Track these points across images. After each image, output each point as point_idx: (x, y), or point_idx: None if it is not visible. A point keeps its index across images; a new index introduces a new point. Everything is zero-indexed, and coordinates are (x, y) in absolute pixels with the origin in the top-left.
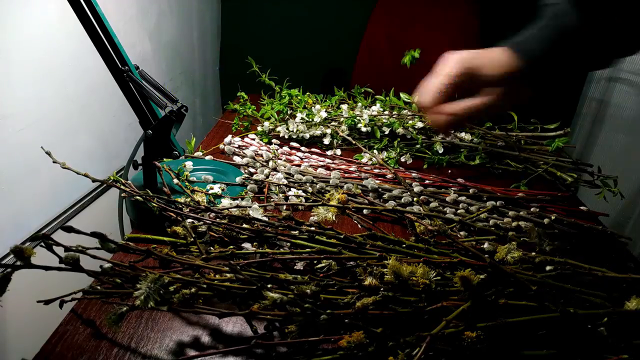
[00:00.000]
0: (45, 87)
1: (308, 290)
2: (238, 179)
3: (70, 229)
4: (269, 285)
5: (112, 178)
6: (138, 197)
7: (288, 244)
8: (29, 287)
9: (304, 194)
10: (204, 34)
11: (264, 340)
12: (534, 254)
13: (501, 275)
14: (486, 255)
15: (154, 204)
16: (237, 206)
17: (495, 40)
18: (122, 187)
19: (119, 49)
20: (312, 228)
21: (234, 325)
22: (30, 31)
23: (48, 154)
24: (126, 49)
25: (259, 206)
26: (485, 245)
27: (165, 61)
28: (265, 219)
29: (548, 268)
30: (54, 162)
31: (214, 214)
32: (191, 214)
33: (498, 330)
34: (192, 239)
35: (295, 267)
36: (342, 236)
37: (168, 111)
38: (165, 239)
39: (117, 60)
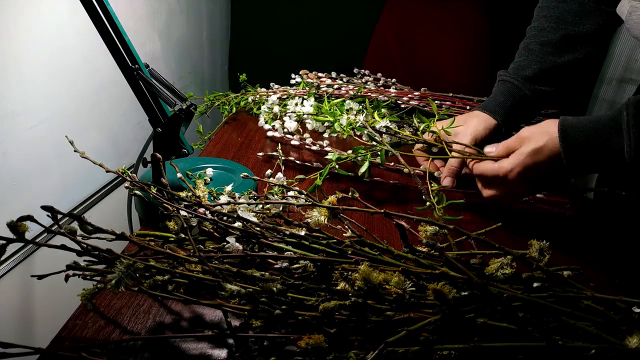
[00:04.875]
0: (56, 85)
1: (274, 288)
2: (241, 175)
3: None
4: (237, 279)
5: (122, 171)
6: (138, 192)
7: (274, 242)
8: (38, 283)
9: (303, 195)
10: (213, 33)
11: (237, 330)
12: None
13: (483, 293)
14: (472, 272)
15: (153, 197)
16: (228, 202)
17: (504, 37)
18: (127, 180)
19: (130, 48)
20: (301, 233)
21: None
22: (41, 30)
23: (71, 143)
24: (136, 47)
25: (249, 205)
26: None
27: (174, 60)
28: (254, 219)
29: (535, 285)
30: (74, 151)
31: (205, 209)
32: (183, 208)
33: (471, 353)
34: (182, 232)
35: (275, 266)
36: (326, 241)
37: (177, 109)
38: (169, 235)
39: (127, 59)
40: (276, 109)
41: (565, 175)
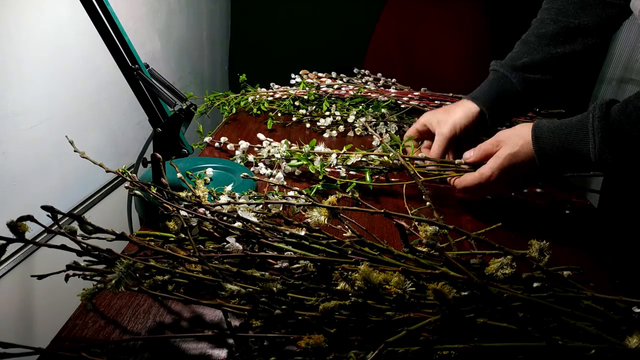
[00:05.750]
0: (56, 85)
1: (274, 288)
2: (241, 175)
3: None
4: (237, 279)
5: (122, 171)
6: (138, 192)
7: (274, 242)
8: (38, 283)
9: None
10: (213, 33)
11: (237, 330)
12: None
13: (483, 293)
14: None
15: (153, 197)
16: (228, 202)
17: (504, 37)
18: (127, 180)
19: (129, 48)
20: (301, 233)
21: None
22: (42, 30)
23: (71, 143)
24: (136, 47)
25: (249, 205)
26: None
27: (174, 60)
28: (254, 219)
29: (535, 285)
30: (74, 151)
31: (205, 209)
32: (183, 208)
33: (471, 353)
34: (182, 232)
35: (275, 266)
36: (326, 241)
37: (177, 109)
38: (169, 235)
39: (127, 59)
40: (251, 157)
41: (541, 175)
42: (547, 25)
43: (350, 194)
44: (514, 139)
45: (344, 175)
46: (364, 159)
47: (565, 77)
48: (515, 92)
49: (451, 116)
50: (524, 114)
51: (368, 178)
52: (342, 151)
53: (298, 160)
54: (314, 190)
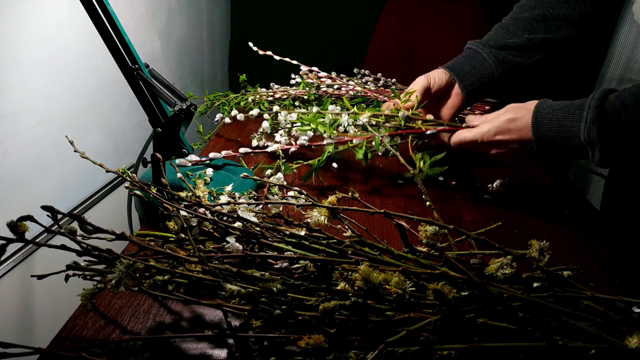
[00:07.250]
0: (56, 85)
1: (274, 288)
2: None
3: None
4: (237, 279)
5: (122, 171)
6: (138, 192)
7: (274, 242)
8: (38, 283)
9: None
10: (213, 33)
11: (237, 330)
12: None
13: (483, 293)
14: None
15: (153, 197)
16: (228, 202)
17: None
18: (127, 180)
19: (129, 48)
20: (301, 233)
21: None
22: (42, 30)
23: (71, 143)
24: (136, 47)
25: (249, 205)
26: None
27: (174, 60)
28: (254, 219)
29: (535, 285)
30: (74, 151)
31: (205, 209)
32: (183, 208)
33: (471, 353)
34: (182, 232)
35: (275, 266)
36: (326, 241)
37: (177, 109)
38: (169, 235)
39: (127, 59)
40: (266, 124)
41: (536, 151)
42: (525, 10)
43: (350, 194)
44: (519, 109)
45: (355, 133)
46: (374, 118)
47: (540, 62)
48: (487, 66)
49: (423, 77)
50: (498, 93)
51: (376, 142)
52: (351, 111)
53: (309, 124)
54: (325, 155)
